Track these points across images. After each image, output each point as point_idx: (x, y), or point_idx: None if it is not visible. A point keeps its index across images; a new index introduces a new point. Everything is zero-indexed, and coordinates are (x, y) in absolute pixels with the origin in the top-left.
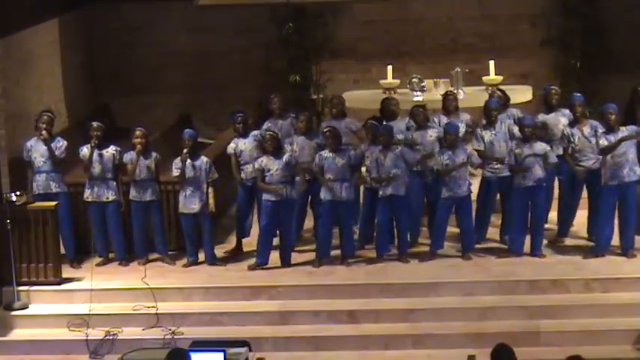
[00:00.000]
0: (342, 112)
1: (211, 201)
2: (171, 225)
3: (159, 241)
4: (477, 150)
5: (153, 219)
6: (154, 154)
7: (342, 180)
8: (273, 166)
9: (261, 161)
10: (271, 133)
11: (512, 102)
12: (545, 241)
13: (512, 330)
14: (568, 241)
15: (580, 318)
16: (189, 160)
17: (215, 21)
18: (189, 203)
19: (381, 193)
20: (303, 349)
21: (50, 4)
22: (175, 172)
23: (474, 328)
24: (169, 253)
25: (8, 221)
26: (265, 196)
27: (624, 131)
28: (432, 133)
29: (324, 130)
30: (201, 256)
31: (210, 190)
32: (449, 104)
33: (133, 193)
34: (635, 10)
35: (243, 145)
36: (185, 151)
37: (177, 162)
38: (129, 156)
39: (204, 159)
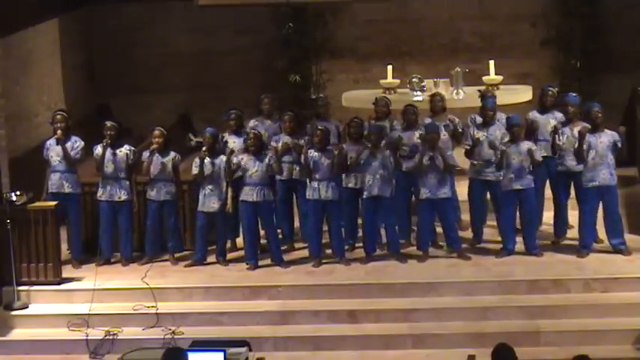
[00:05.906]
0: (328, 112)
1: (229, 200)
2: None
3: (172, 242)
4: (465, 148)
5: (167, 219)
6: (172, 154)
7: (328, 179)
8: (253, 167)
9: (241, 158)
10: (255, 132)
11: (511, 102)
12: (544, 241)
13: (512, 330)
14: (568, 241)
15: (580, 318)
16: (208, 159)
17: (215, 21)
18: (208, 202)
19: (366, 194)
20: (303, 349)
21: (50, 4)
22: (194, 170)
23: (474, 328)
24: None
25: (8, 221)
26: (243, 197)
27: (607, 134)
28: (419, 135)
29: (315, 129)
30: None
31: (230, 189)
32: (435, 105)
33: (148, 192)
34: (635, 10)
35: (233, 143)
36: (204, 149)
37: (196, 160)
38: (146, 154)
39: (223, 157)
